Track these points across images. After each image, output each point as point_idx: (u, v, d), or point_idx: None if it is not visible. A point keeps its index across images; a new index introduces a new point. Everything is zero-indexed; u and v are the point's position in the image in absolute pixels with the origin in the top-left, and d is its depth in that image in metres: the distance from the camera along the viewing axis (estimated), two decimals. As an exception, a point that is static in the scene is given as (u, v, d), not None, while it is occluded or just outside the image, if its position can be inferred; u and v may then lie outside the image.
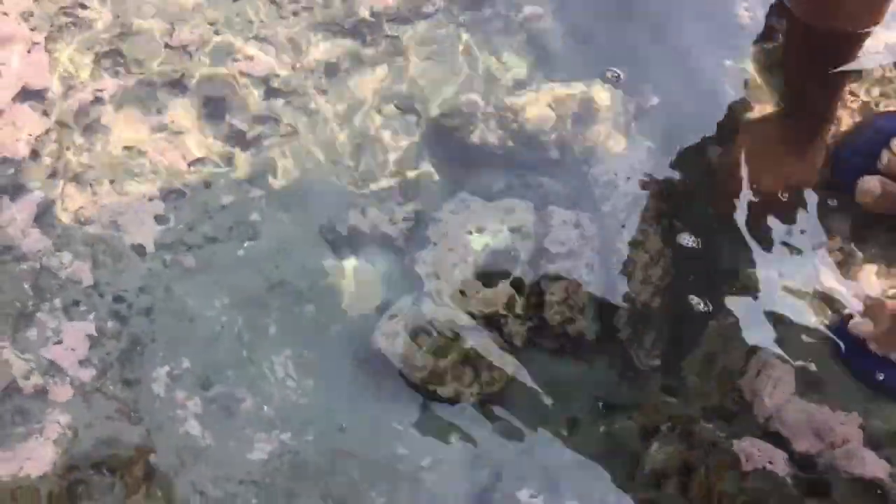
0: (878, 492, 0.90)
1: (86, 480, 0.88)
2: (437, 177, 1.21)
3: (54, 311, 0.97)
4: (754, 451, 0.89)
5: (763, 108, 1.16)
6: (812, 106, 1.07)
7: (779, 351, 1.03)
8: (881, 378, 0.97)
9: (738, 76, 1.16)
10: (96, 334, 0.98)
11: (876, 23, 0.99)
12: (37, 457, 0.88)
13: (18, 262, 0.97)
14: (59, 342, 0.95)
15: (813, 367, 1.00)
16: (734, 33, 1.19)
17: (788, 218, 1.10)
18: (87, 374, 0.94)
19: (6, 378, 0.91)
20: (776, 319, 1.04)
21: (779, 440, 0.94)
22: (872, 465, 0.88)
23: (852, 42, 1.02)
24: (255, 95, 1.17)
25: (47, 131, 1.04)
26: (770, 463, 0.89)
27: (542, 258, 1.14)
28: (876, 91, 1.14)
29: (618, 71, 1.20)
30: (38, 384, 0.93)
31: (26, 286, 0.96)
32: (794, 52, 1.08)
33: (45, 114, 1.04)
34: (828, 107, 1.06)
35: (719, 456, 0.91)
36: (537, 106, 1.20)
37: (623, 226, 1.15)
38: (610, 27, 1.25)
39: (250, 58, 1.17)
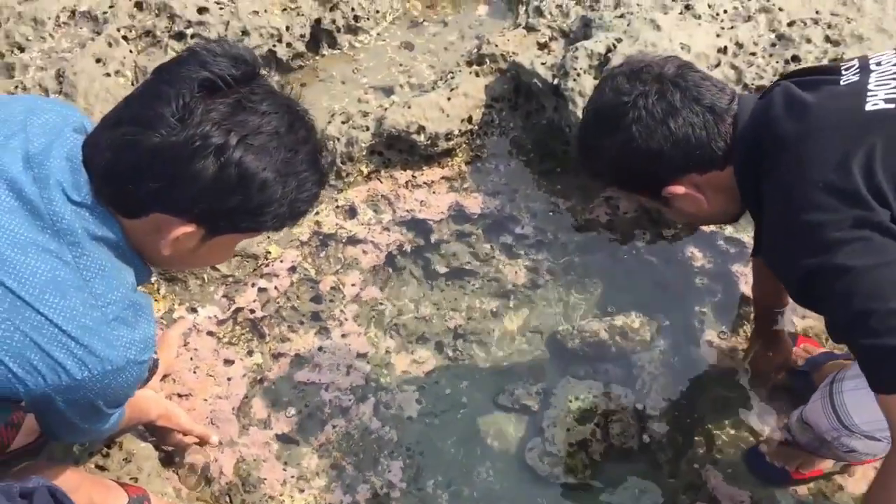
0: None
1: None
2: (554, 369, 2.30)
3: (385, 456, 2.16)
4: (702, 509, 1.96)
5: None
6: (770, 333, 2.08)
7: (721, 457, 2.08)
8: (772, 477, 1.99)
9: (698, 314, 2.25)
10: (402, 464, 2.16)
11: (785, 305, 2.04)
12: (388, 522, 2.09)
13: (370, 434, 2.19)
14: (390, 471, 2.15)
15: (737, 466, 2.04)
16: (695, 291, 2.26)
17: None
18: (403, 485, 2.12)
19: (386, 479, 2.12)
20: (725, 440, 2.09)
21: (716, 502, 1.99)
22: (755, 519, 1.92)
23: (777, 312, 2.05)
24: (453, 337, 2.35)
25: (373, 367, 2.27)
26: (710, 514, 1.95)
27: (609, 411, 2.23)
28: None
29: (642, 312, 2.31)
30: (385, 491, 2.12)
31: (375, 445, 2.17)
32: (757, 311, 2.09)
33: (366, 361, 2.27)
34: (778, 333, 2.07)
35: (687, 513, 1.98)
36: (601, 329, 2.32)
37: (646, 391, 2.23)
38: (640, 288, 2.33)
39: (453, 318, 2.37)
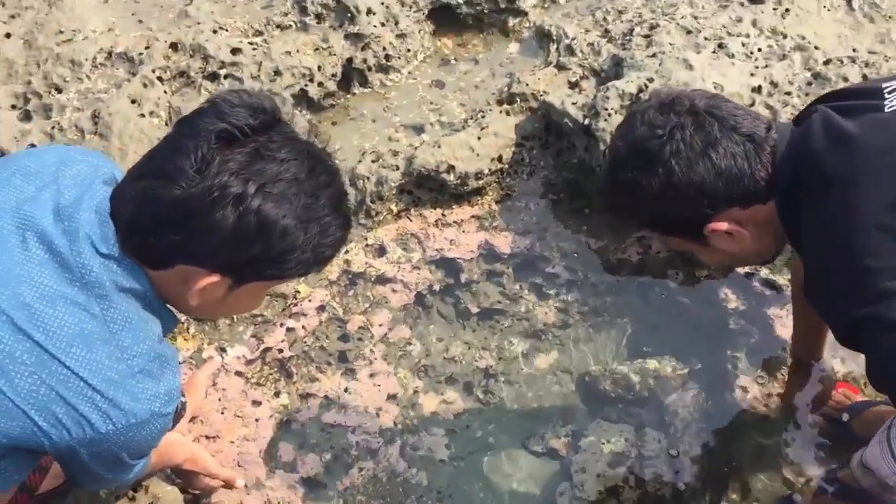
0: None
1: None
2: (584, 411, 2.27)
3: (413, 500, 2.11)
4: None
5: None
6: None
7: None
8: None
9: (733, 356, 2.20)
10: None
11: (820, 358, 2.00)
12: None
13: (397, 477, 2.16)
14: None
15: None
16: (729, 334, 2.21)
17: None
18: (433, 528, 2.10)
19: None
20: (760, 489, 2.03)
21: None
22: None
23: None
24: (483, 377, 2.33)
25: (402, 409, 2.25)
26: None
27: (642, 455, 2.18)
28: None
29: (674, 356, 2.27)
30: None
31: (402, 489, 2.14)
32: (794, 354, 2.07)
33: (395, 402, 2.26)
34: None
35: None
36: (633, 371, 2.28)
37: (679, 436, 2.18)
38: (673, 330, 2.30)
39: (483, 358, 2.35)
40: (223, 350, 2.15)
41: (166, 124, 2.38)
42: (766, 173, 1.42)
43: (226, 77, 2.48)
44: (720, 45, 2.34)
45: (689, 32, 2.41)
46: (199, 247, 1.25)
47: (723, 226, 1.45)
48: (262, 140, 1.26)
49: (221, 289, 1.32)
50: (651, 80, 2.23)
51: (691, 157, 1.40)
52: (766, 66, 2.29)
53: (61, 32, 2.59)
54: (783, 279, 2.17)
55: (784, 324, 2.14)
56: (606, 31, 2.66)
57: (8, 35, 2.61)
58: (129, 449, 1.29)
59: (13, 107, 2.44)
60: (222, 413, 2.07)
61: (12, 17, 2.69)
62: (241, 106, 1.26)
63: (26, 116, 2.42)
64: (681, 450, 2.13)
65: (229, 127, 1.23)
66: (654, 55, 2.33)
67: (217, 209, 1.21)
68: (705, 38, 2.37)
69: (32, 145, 2.31)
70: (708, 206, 1.43)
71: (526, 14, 2.86)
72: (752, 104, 2.20)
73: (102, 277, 1.24)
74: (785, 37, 2.40)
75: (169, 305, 1.38)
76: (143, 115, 2.36)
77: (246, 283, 1.34)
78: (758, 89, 2.23)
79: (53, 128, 2.34)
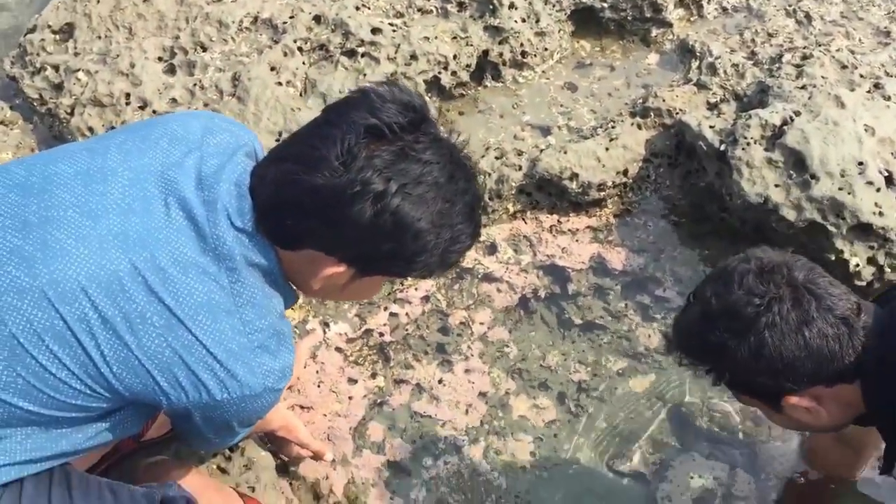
0: None
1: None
2: (676, 441, 2.21)
3: (493, 501, 2.15)
4: None
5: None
6: None
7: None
8: None
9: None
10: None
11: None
12: None
13: (479, 476, 2.17)
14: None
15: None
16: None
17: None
18: None
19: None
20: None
21: None
22: None
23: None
24: (576, 390, 2.31)
25: (491, 409, 2.26)
26: None
27: (731, 494, 2.12)
28: None
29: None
30: None
31: (483, 488, 2.15)
32: None
33: (485, 401, 2.26)
34: None
35: None
36: (734, 410, 2.21)
37: (773, 486, 2.11)
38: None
39: (578, 371, 2.32)
40: (326, 325, 2.20)
41: (301, 95, 2.43)
42: (854, 357, 1.43)
43: (363, 55, 2.51)
44: (876, 86, 2.22)
45: (844, 67, 2.30)
46: (331, 236, 1.27)
47: (802, 402, 1.48)
48: (409, 140, 1.26)
49: (345, 278, 1.34)
50: (798, 112, 2.14)
51: (785, 332, 1.42)
52: (925, 113, 2.17)
53: (212, -8, 2.67)
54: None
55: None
56: (753, 52, 2.56)
57: (162, -12, 2.71)
58: (239, 418, 1.34)
59: (160, 59, 2.54)
60: (318, 386, 2.12)
61: (168, -30, 2.78)
62: (392, 102, 1.26)
63: (171, 70, 2.51)
64: (772, 500, 2.06)
65: (379, 123, 1.23)
66: (803, 87, 2.23)
67: (356, 203, 1.22)
68: (861, 76, 2.26)
69: (174, 100, 2.39)
70: (792, 382, 1.46)
71: (670, 25, 2.78)
72: (904, 152, 2.09)
73: (234, 250, 1.27)
74: (949, 84, 2.26)
75: (290, 283, 1.41)
76: (279, 84, 2.41)
77: (368, 275, 1.35)
78: (912, 137, 2.11)
79: (195, 85, 2.42)
